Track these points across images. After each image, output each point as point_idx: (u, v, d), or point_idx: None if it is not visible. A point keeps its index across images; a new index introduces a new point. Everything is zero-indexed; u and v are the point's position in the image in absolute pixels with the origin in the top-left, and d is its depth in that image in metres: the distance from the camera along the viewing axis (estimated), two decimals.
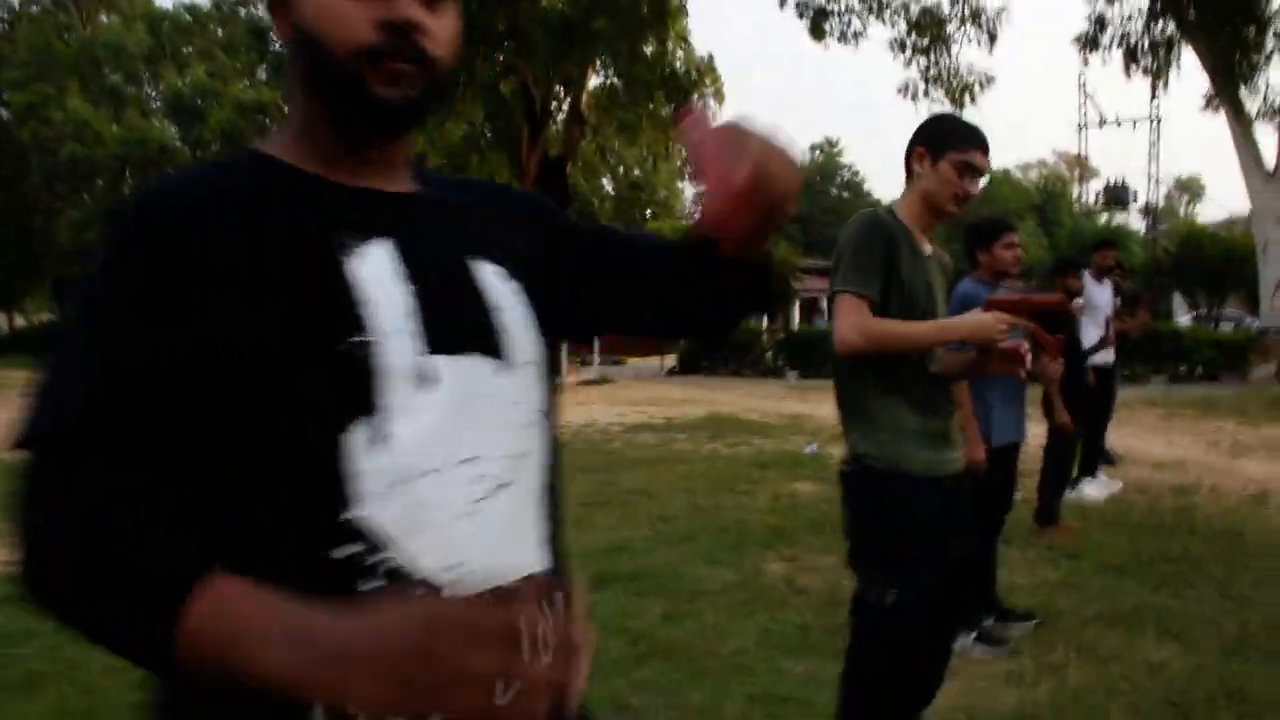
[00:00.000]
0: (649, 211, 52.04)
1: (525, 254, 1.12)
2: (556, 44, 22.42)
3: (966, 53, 58.73)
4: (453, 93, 23.98)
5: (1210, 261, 27.15)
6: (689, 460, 10.31)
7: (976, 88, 22.89)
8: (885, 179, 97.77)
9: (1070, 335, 6.66)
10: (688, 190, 62.99)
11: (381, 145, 1.04)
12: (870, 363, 2.88)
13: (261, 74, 31.24)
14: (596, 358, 23.23)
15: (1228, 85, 19.95)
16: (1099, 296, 8.04)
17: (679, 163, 62.05)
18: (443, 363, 0.96)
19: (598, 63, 23.86)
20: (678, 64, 49.08)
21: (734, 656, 4.42)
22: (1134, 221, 40.66)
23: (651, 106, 47.52)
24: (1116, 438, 11.22)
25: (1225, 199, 55.26)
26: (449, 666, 0.72)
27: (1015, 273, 4.87)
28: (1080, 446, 7.90)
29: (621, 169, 48.54)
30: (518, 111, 24.43)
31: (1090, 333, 7.77)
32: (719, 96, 48.36)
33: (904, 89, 23.78)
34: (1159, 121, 35.08)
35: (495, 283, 1.05)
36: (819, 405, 16.53)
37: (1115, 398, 9.48)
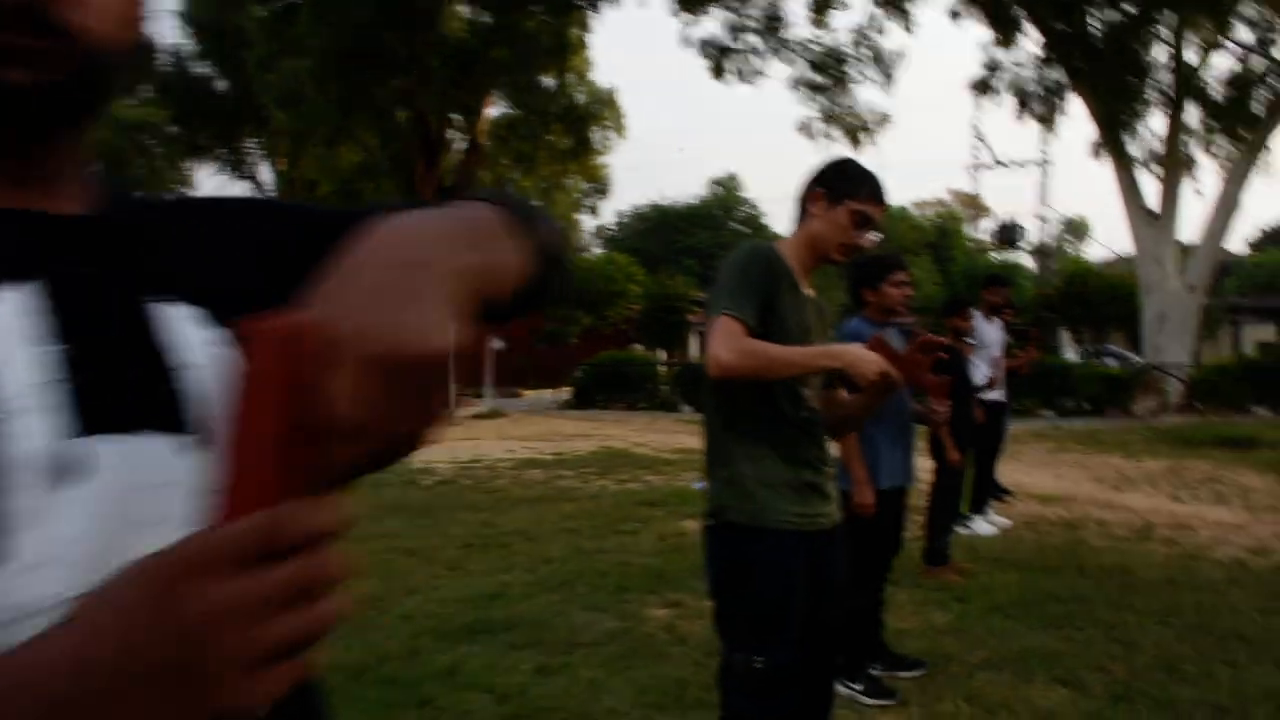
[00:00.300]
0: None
1: (242, 285, 0.81)
2: (454, 73, 22.11)
3: (865, 93, 60.26)
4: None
5: (1095, 299, 28.01)
6: (575, 498, 9.98)
7: (873, 127, 23.28)
8: (784, 215, 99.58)
9: (959, 373, 6.57)
10: (586, 222, 63.11)
11: (20, 151, 0.72)
12: (739, 407, 2.64)
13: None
14: (489, 390, 22.74)
15: (1112, 132, 20.63)
16: (989, 335, 8.01)
17: (576, 194, 62.30)
18: (101, 447, 0.67)
19: (495, 94, 23.60)
20: (578, 96, 49.34)
21: (608, 716, 4.12)
22: (1025, 260, 41.92)
23: (550, 138, 47.64)
24: (1006, 472, 11.29)
25: (1111, 239, 57.46)
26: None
27: (904, 311, 4.62)
28: (970, 483, 7.84)
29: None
30: (413, 140, 24.00)
31: (980, 370, 7.72)
32: (619, 129, 48.69)
33: (803, 127, 24.08)
34: (1047, 164, 36.28)
35: (186, 331, 0.76)
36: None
37: (1006, 434, 9.50)
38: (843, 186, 2.75)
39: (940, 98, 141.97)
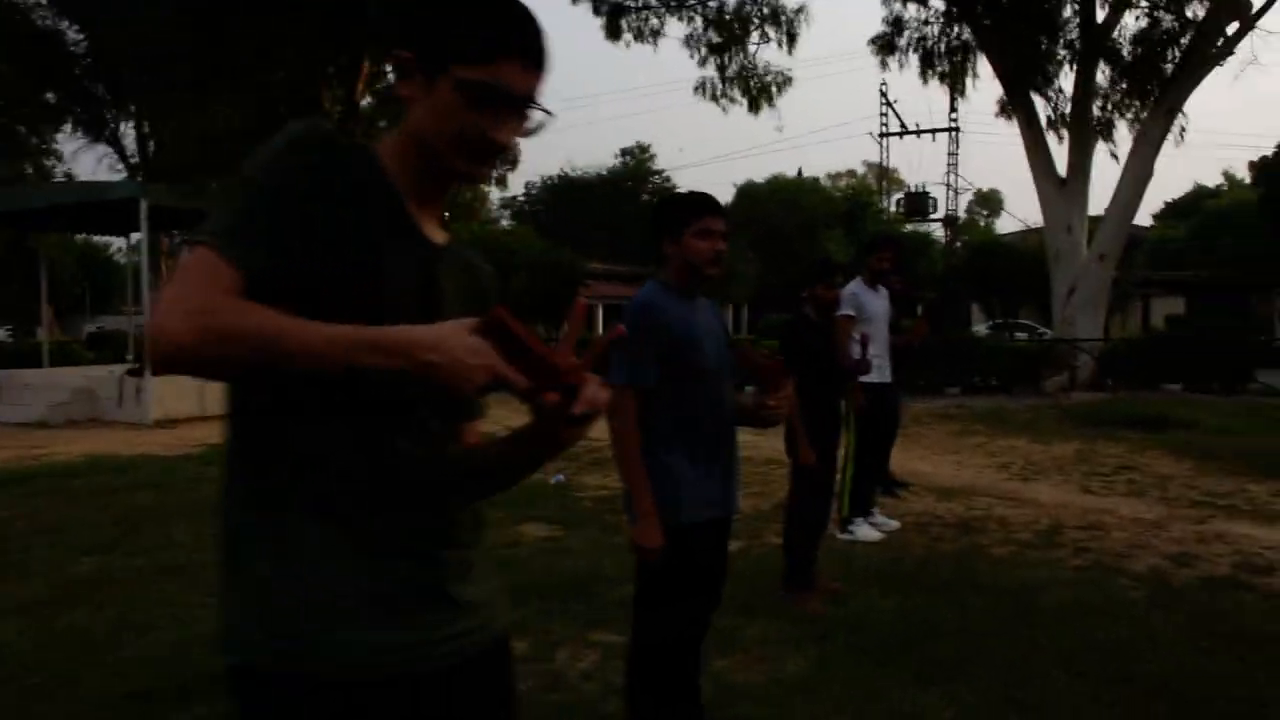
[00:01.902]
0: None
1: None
2: (321, 27, 20.30)
3: (765, 53, 59.15)
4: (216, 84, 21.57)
5: (1004, 271, 27.33)
6: None
7: (774, 89, 22.07)
8: (695, 181, 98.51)
9: (822, 353, 5.31)
10: (494, 195, 61.17)
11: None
12: (262, 443, 1.40)
13: None
14: None
15: (1020, 93, 19.67)
16: (872, 305, 6.81)
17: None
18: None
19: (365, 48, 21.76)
20: None
21: None
22: (937, 231, 41.26)
23: None
24: (905, 459, 10.17)
25: (1027, 213, 57.33)
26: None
27: (712, 271, 3.18)
28: (848, 480, 6.63)
29: None
30: (285, 107, 22.12)
31: (855, 348, 6.55)
32: None
33: (701, 87, 22.77)
34: (957, 131, 35.52)
35: None
36: (601, 422, 15.11)
37: (897, 419, 8.34)
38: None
39: (854, 61, 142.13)
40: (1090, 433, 12.32)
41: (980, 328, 31.18)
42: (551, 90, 1.45)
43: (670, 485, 3.05)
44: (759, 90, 22.06)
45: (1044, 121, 19.70)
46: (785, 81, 21.90)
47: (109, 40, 21.84)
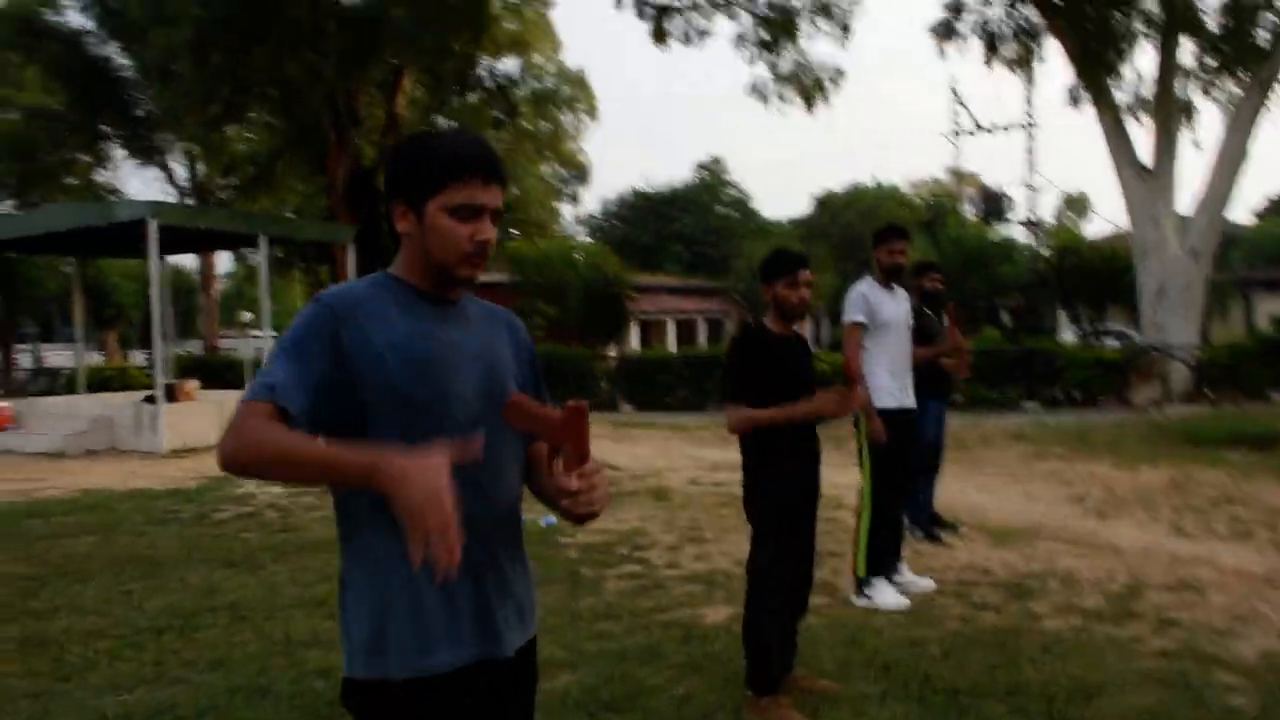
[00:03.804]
0: (511, 230, 49.50)
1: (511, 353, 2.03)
2: (355, 41, 19.51)
3: (820, 48, 57.22)
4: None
5: (1090, 272, 25.36)
6: None
7: (828, 84, 20.65)
8: (771, 195, 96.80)
9: (789, 376, 3.98)
10: (566, 211, 60.62)
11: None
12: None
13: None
14: None
15: (1094, 76, 17.88)
16: (886, 308, 5.52)
17: (554, 182, 60.00)
18: None
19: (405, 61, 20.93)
20: (549, 78, 46.77)
21: None
22: (1020, 234, 39.04)
23: (522, 122, 44.94)
24: (958, 491, 8.73)
25: (1118, 216, 54.49)
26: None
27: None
28: (864, 532, 5.30)
29: None
30: (324, 118, 21.42)
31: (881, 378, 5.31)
32: (591, 112, 46.27)
33: (755, 89, 21.47)
34: (1033, 127, 33.44)
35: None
36: (633, 445, 13.86)
37: (937, 449, 7.01)
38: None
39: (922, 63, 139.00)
40: (1186, 454, 10.66)
41: (1067, 335, 29.14)
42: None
43: (376, 611, 1.81)
44: (814, 87, 20.66)
45: (1123, 106, 17.86)
46: (838, 76, 20.48)
47: (151, 60, 21.45)
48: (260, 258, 16.05)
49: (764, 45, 20.42)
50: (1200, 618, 4.92)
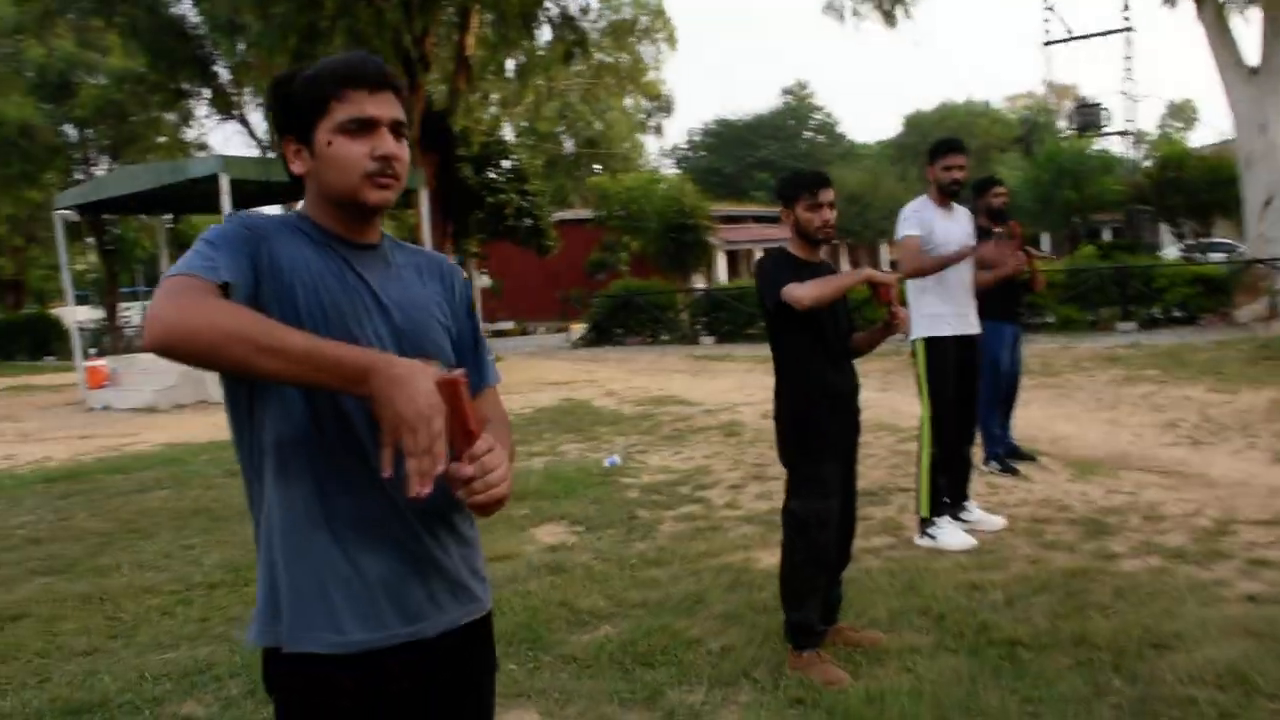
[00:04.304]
0: (596, 167, 49.20)
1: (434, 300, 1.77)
2: None
3: None
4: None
5: (1194, 184, 24.05)
6: None
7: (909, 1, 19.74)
8: (860, 118, 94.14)
9: (836, 312, 3.65)
10: (649, 142, 60.03)
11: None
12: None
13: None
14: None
15: None
16: (943, 228, 5.13)
17: (638, 115, 59.33)
18: None
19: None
20: (625, 9, 45.80)
21: None
22: (1118, 146, 37.19)
23: (598, 55, 44.20)
24: (1041, 419, 8.32)
25: (1225, 125, 51.56)
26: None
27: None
28: (925, 470, 5.00)
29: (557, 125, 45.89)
30: (392, 63, 21.28)
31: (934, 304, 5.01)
32: (671, 41, 45.43)
33: (829, 6, 20.66)
34: (1130, 31, 31.61)
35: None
36: (710, 380, 13.63)
37: (1014, 376, 6.67)
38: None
39: None
40: None
41: (1170, 250, 27.80)
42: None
43: (274, 577, 1.63)
44: (893, 3, 19.77)
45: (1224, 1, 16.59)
46: None
47: (218, 12, 21.53)
48: None
49: None
50: None
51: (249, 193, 16.05)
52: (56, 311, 38.36)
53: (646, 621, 4.14)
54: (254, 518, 1.63)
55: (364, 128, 1.58)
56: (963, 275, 5.17)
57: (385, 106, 1.59)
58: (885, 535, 5.28)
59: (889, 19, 19.76)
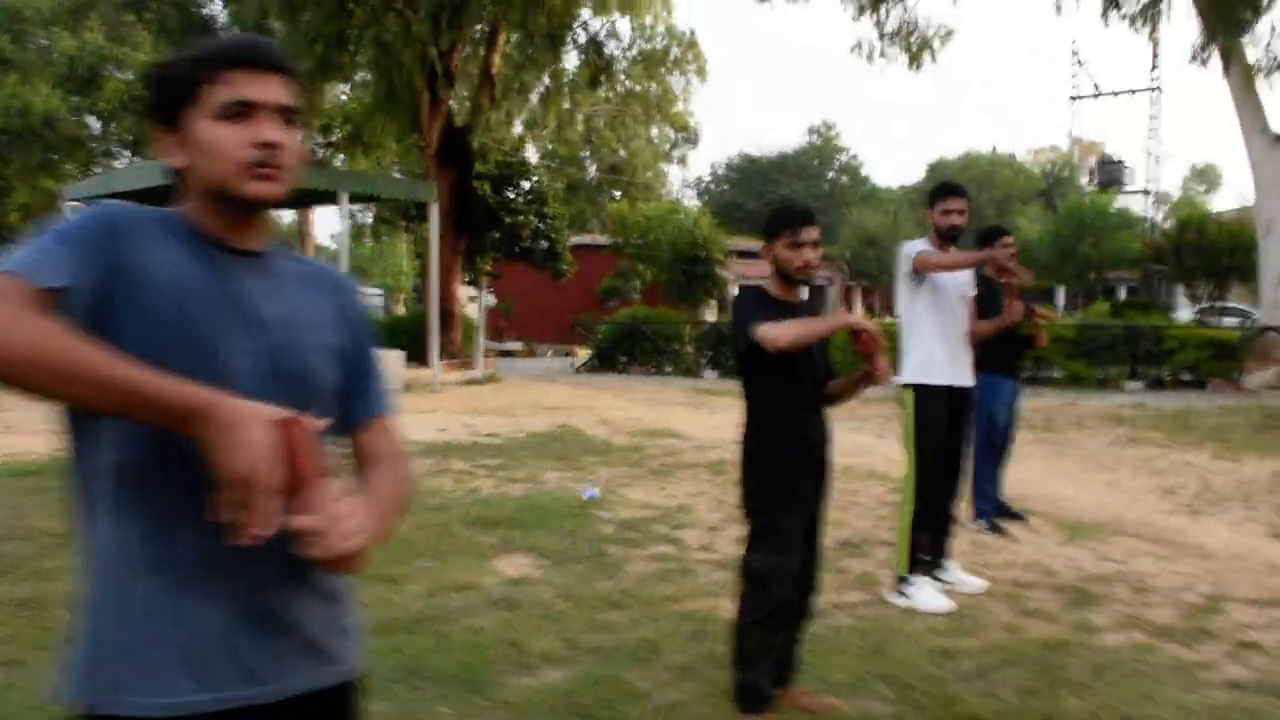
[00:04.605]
0: (616, 194, 49.26)
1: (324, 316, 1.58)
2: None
3: (925, 5, 54.61)
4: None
5: (1213, 247, 23.82)
6: (412, 511, 7.17)
7: (936, 43, 19.65)
8: (884, 162, 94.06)
9: (813, 358, 3.46)
10: (673, 174, 60.07)
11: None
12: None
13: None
14: (481, 355, 20.01)
15: (1223, 31, 16.49)
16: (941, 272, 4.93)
17: (664, 144, 59.57)
18: None
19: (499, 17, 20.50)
20: (658, 39, 46.12)
21: None
22: (1140, 205, 36.95)
23: (630, 83, 44.34)
24: (1037, 477, 8.10)
25: (1250, 190, 51.12)
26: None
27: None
28: (906, 524, 4.80)
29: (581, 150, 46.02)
30: (416, 75, 21.29)
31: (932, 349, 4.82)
32: (701, 74, 45.68)
33: (858, 47, 20.57)
34: (1157, 90, 31.48)
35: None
36: (709, 414, 13.42)
37: (1006, 429, 6.45)
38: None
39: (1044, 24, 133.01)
40: None
41: (1184, 313, 27.55)
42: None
43: (99, 626, 1.43)
44: (919, 46, 19.69)
45: (1255, 65, 16.42)
46: (947, 35, 19.46)
47: (246, 14, 21.57)
48: (341, 214, 15.99)
49: (869, 2, 19.50)
50: None
51: None
52: None
53: (596, 669, 3.92)
54: (80, 547, 1.43)
55: (245, 112, 1.40)
56: (960, 322, 4.97)
57: (271, 90, 1.42)
58: (860, 590, 5.05)
59: (914, 61, 19.65)
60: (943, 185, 5.05)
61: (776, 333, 3.07)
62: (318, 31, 19.14)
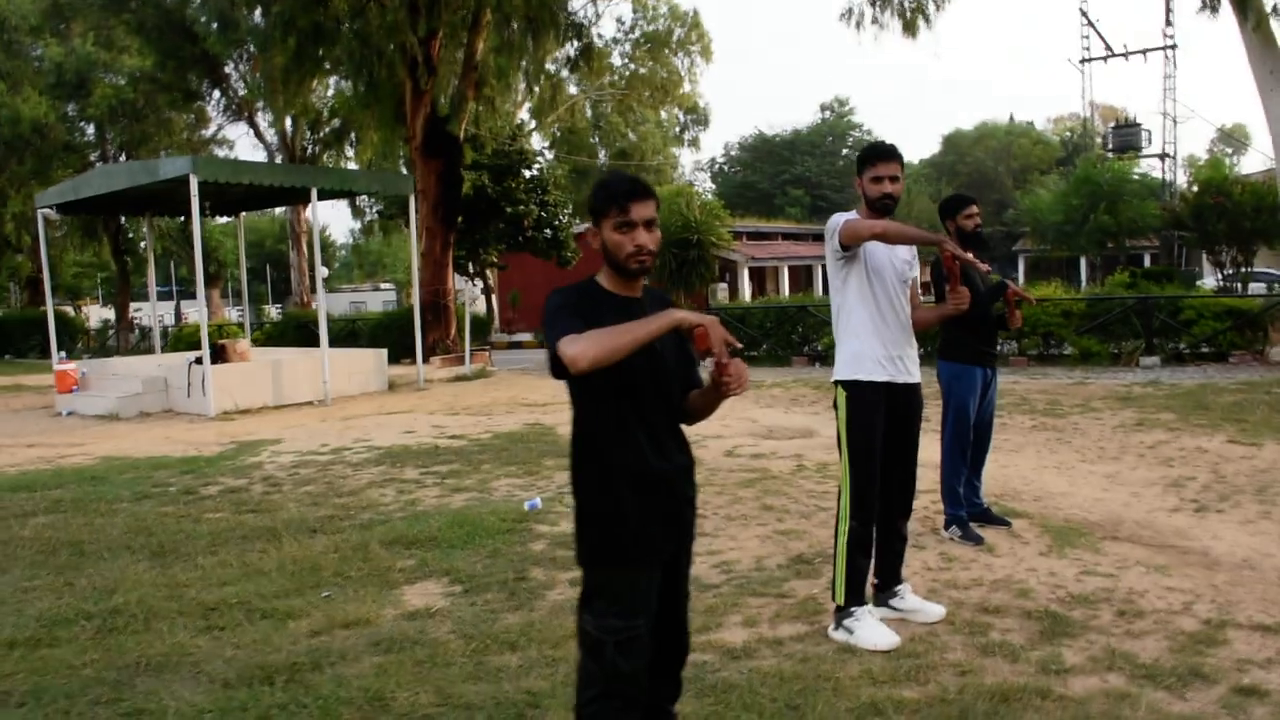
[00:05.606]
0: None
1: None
2: None
3: None
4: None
5: (1237, 210, 22.75)
6: (332, 529, 6.54)
7: (931, 6, 18.72)
8: (899, 135, 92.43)
9: (656, 359, 2.73)
10: (684, 156, 58.92)
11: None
12: None
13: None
14: (468, 350, 19.33)
15: None
16: (876, 252, 4.20)
17: (673, 126, 58.62)
18: None
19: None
20: (661, 20, 45.06)
21: None
22: (1156, 170, 35.66)
23: (634, 65, 43.41)
24: (1029, 470, 7.35)
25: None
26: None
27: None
28: (842, 546, 4.09)
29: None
30: (398, 65, 20.63)
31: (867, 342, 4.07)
32: (706, 54, 44.69)
33: (847, 14, 19.67)
34: (1173, 49, 30.24)
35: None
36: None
37: (983, 425, 5.73)
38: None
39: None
40: None
41: (1208, 281, 26.47)
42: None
43: None
44: (914, 11, 18.78)
45: (1270, 10, 15.37)
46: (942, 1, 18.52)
47: (212, 7, 20.97)
48: (312, 212, 15.38)
49: None
50: None
51: (233, 196, 15.41)
52: (86, 310, 38.07)
53: None
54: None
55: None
56: (900, 308, 4.23)
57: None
58: (799, 621, 4.34)
59: (909, 28, 18.73)
60: (872, 147, 4.27)
61: (576, 350, 2.31)
62: (290, 23, 18.49)
